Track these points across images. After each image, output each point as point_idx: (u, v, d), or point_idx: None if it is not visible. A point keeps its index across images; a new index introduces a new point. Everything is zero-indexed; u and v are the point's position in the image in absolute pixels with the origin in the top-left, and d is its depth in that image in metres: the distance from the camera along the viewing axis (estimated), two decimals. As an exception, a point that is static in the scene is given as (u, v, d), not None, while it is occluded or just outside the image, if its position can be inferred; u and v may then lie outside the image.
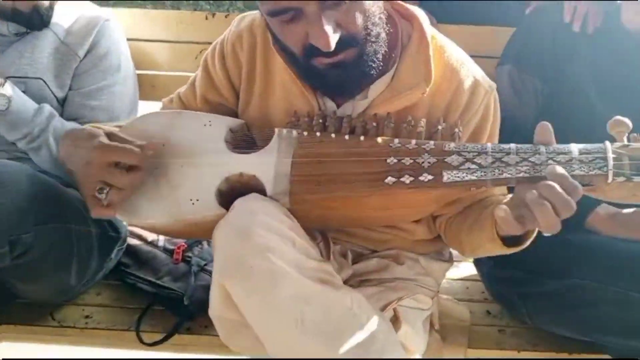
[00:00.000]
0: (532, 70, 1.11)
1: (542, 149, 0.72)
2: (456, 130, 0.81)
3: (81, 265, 1.07)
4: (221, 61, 0.95)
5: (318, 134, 0.82)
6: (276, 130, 0.84)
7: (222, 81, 0.96)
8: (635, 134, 0.70)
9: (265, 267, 0.70)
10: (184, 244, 1.32)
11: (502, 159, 0.73)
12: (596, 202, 1.00)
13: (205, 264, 1.24)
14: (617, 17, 1.09)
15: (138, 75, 1.36)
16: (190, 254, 1.27)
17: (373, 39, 0.79)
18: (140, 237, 1.35)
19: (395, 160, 0.77)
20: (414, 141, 0.78)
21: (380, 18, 0.80)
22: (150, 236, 1.35)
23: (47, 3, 1.15)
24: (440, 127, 0.81)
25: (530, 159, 0.72)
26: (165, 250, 1.31)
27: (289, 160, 0.81)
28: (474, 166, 0.74)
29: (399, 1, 0.88)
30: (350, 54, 0.78)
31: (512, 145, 0.74)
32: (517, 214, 0.69)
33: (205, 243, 1.32)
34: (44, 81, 1.15)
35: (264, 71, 0.92)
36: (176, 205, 0.83)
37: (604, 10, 1.09)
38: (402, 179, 0.76)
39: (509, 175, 0.72)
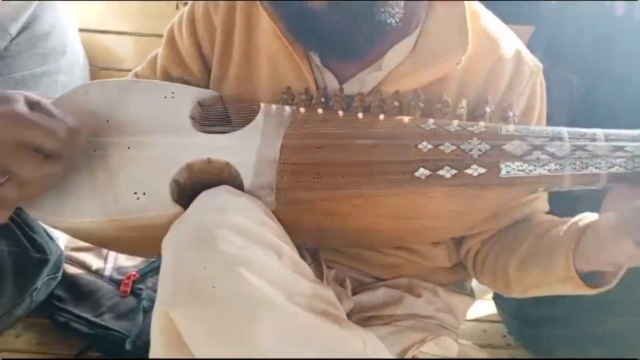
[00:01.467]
0: (566, 64, 0.92)
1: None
2: (510, 114, 0.59)
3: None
4: (190, 27, 0.73)
5: (320, 110, 0.59)
6: (262, 105, 0.62)
7: (190, 51, 0.73)
8: None
9: (235, 289, 0.45)
10: (135, 273, 1.06)
11: (586, 147, 0.51)
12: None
13: (160, 299, 0.98)
14: None
15: (95, 72, 1.14)
16: (141, 286, 1.02)
17: None
18: (82, 265, 1.09)
19: (429, 147, 0.54)
20: (456, 122, 0.56)
21: None
22: (95, 263, 1.10)
23: None
24: (488, 110, 0.59)
25: (626, 148, 0.50)
26: (111, 280, 1.06)
27: (278, 143, 0.58)
28: (545, 156, 0.51)
29: None
30: None
31: (598, 130, 0.52)
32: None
33: None
34: None
35: (244, 39, 0.70)
36: (114, 200, 0.58)
37: None
38: (439, 172, 0.53)
39: (597, 171, 0.50)
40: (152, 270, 1.08)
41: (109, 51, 1.22)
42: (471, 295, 0.82)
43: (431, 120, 0.56)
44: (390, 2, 0.59)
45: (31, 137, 0.53)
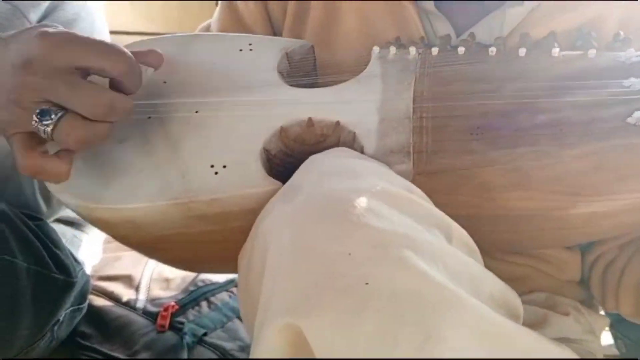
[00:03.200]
0: None
1: None
2: None
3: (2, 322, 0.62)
4: None
5: (462, 49, 0.43)
6: (375, 49, 0.46)
7: (256, 17, 0.59)
8: None
9: (402, 283, 0.28)
10: (174, 304, 0.89)
11: None
12: None
13: (205, 333, 0.82)
14: None
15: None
16: (182, 319, 0.86)
17: None
18: (110, 296, 0.92)
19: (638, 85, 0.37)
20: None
21: None
22: (125, 294, 0.93)
23: None
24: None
25: None
26: (146, 313, 0.88)
27: (409, 92, 0.41)
28: None
29: None
30: None
31: None
32: None
33: (204, 304, 0.92)
34: None
35: None
36: (180, 177, 0.41)
37: None
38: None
39: None
40: (192, 301, 0.91)
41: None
42: (604, 317, 0.65)
43: (631, 50, 0.40)
44: None
45: (87, 59, 0.37)
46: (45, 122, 0.35)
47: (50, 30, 0.38)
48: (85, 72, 0.38)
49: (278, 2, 0.58)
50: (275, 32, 0.60)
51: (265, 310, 0.30)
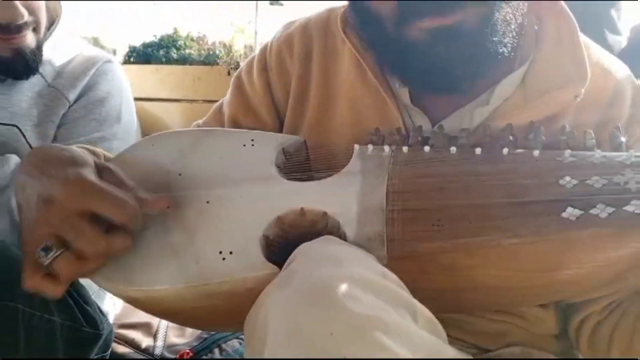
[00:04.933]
0: None
1: None
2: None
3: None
4: (262, 76, 0.68)
5: (427, 148, 0.51)
6: (356, 146, 0.54)
7: (262, 100, 0.68)
8: None
9: (371, 357, 0.35)
10: (188, 351, 0.97)
11: None
12: None
13: (218, 378, 0.89)
14: None
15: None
16: None
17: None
18: (130, 343, 1.01)
19: (575, 182, 0.45)
20: (599, 151, 0.47)
21: None
22: (144, 341, 1.01)
23: (33, 43, 0.89)
24: (623, 140, 0.50)
25: None
26: (162, 359, 0.96)
27: (382, 186, 0.49)
28: None
29: None
30: (471, 16, 0.51)
31: None
32: None
33: (217, 351, 0.99)
34: (19, 129, 0.88)
35: (322, 82, 0.65)
36: (195, 263, 0.49)
37: None
38: (592, 211, 0.43)
39: None
40: (206, 348, 0.99)
41: (159, 118, 1.19)
42: None
43: (568, 152, 0.47)
44: (503, 29, 0.53)
45: (97, 207, 0.46)
46: (44, 257, 0.45)
47: (71, 178, 0.47)
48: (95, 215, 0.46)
49: (281, 86, 0.67)
50: (279, 112, 0.69)
51: None
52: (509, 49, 0.55)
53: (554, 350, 0.66)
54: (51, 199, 0.46)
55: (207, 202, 0.53)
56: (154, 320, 1.04)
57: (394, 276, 0.43)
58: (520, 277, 0.49)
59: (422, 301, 0.49)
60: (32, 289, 0.46)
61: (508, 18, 0.54)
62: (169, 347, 0.99)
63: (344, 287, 0.38)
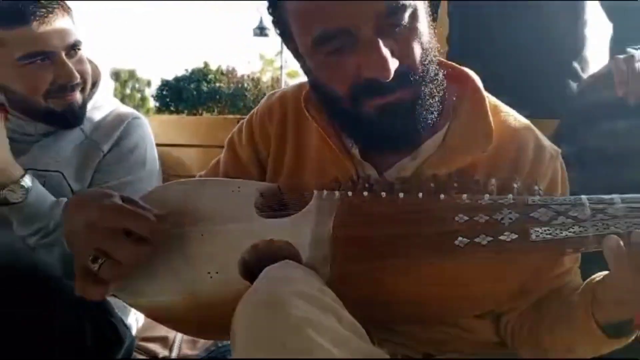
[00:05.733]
0: (590, 149, 1.00)
1: None
2: (535, 188, 0.66)
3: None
4: (248, 136, 0.86)
5: (365, 193, 0.68)
6: (315, 192, 0.71)
7: (249, 157, 0.86)
8: None
9: (303, 347, 0.52)
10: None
11: (606, 210, 0.57)
12: None
13: (222, 385, 1.05)
14: None
15: (166, 179, 1.29)
16: None
17: (431, 79, 0.69)
18: (149, 353, 1.17)
19: (466, 218, 0.61)
20: (487, 196, 0.63)
21: (435, 56, 0.71)
22: (161, 352, 1.17)
23: (80, 101, 1.10)
24: (516, 185, 0.66)
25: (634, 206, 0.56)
26: (176, 367, 1.13)
27: (330, 222, 0.66)
28: (569, 220, 0.58)
29: (446, 61, 0.79)
30: (406, 94, 0.68)
31: (615, 195, 0.58)
32: None
33: None
34: (63, 175, 1.08)
35: (295, 142, 0.82)
36: (190, 280, 0.67)
37: None
38: (477, 240, 0.59)
39: (618, 230, 0.55)
40: (212, 359, 1.14)
41: (179, 161, 1.38)
42: None
43: (465, 196, 0.64)
44: (429, 102, 0.69)
45: (126, 223, 0.65)
46: (94, 265, 0.63)
47: (106, 205, 0.66)
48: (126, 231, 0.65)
49: (264, 145, 0.85)
50: (262, 164, 0.86)
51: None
52: (435, 116, 0.72)
53: (495, 355, 0.81)
54: (93, 223, 0.65)
55: (202, 235, 0.71)
56: (170, 335, 1.21)
57: (329, 291, 0.59)
58: (431, 292, 0.65)
59: (358, 310, 0.65)
60: (81, 293, 0.65)
61: (433, 93, 0.71)
62: (182, 357, 1.15)
63: (288, 299, 0.55)
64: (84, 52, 1.10)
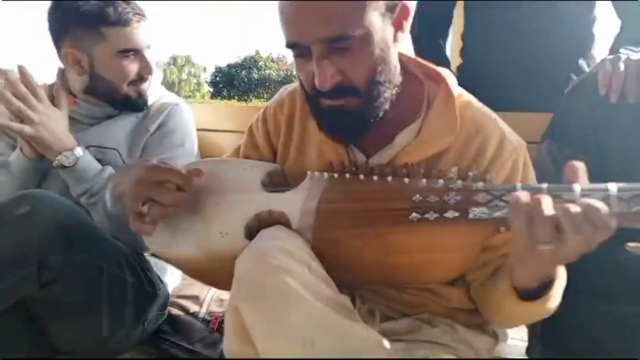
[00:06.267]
0: (573, 145, 1.08)
1: (577, 187, 0.68)
2: (487, 176, 0.79)
3: (113, 314, 1.08)
4: (263, 125, 1.03)
5: (347, 175, 0.84)
6: (309, 173, 0.87)
7: (264, 142, 1.03)
8: None
9: (278, 287, 0.69)
10: (221, 315, 1.32)
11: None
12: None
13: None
14: None
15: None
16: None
17: (382, 92, 0.83)
18: (182, 308, 1.37)
19: (420, 198, 0.76)
20: (441, 180, 0.77)
21: (394, 70, 0.84)
22: (193, 307, 1.37)
23: (146, 88, 1.33)
24: (471, 174, 0.80)
25: (563, 197, 0.68)
26: (203, 321, 1.33)
27: (317, 198, 0.82)
28: (502, 203, 0.71)
29: (425, 62, 0.92)
30: (352, 102, 0.81)
31: (545, 185, 0.71)
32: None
33: None
34: (119, 152, 1.28)
35: (301, 131, 0.98)
36: (206, 238, 0.85)
37: None
38: (426, 215, 0.74)
39: (541, 212, 0.69)
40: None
41: (217, 145, 1.58)
42: (493, 336, 0.97)
43: (424, 180, 0.78)
44: (377, 109, 0.83)
45: (164, 176, 0.85)
46: (144, 208, 0.82)
47: (147, 164, 0.86)
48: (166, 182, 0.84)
49: (275, 133, 1.02)
50: (274, 148, 1.03)
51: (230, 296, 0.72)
52: (390, 105, 0.85)
53: (466, 321, 0.94)
54: (140, 178, 0.85)
55: (217, 202, 0.88)
56: (202, 294, 1.41)
57: (307, 249, 0.76)
58: (397, 259, 0.80)
59: (337, 271, 0.81)
60: (136, 230, 0.85)
61: (384, 101, 0.83)
62: (209, 313, 1.35)
63: (270, 252, 0.72)
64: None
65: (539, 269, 0.70)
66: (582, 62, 1.48)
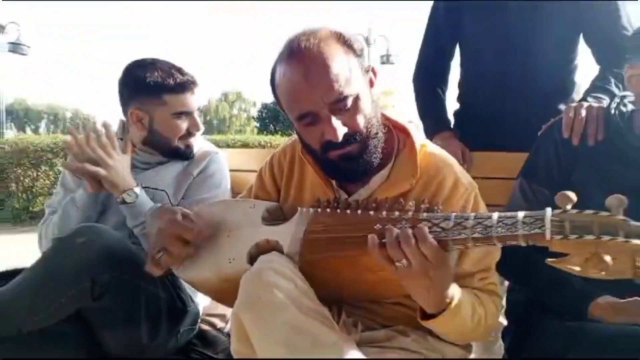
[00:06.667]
0: (541, 182, 1.25)
1: (495, 215, 0.87)
2: (435, 207, 0.98)
3: (151, 325, 1.32)
4: (270, 170, 1.27)
5: (328, 210, 1.05)
6: (299, 208, 1.09)
7: (270, 184, 1.26)
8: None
9: (269, 299, 0.90)
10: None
11: (461, 223, 0.89)
12: (596, 294, 1.05)
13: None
14: (627, 124, 1.19)
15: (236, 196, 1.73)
16: None
17: (372, 137, 1.06)
18: (211, 324, 1.60)
19: (380, 227, 0.96)
20: (397, 212, 0.97)
21: (377, 120, 1.07)
22: (219, 324, 1.60)
23: (193, 141, 1.62)
24: (423, 207, 0.99)
25: (483, 223, 0.87)
26: (227, 335, 1.54)
27: (304, 228, 1.04)
28: (438, 229, 0.90)
29: (394, 118, 1.15)
30: (355, 147, 1.04)
31: (472, 214, 0.90)
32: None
33: None
34: (167, 193, 1.56)
35: (299, 176, 1.22)
36: (218, 264, 1.08)
37: (607, 120, 1.20)
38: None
39: (465, 236, 0.87)
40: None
41: (247, 183, 1.83)
42: (465, 348, 1.14)
43: (384, 212, 0.98)
44: (373, 151, 1.06)
45: (179, 232, 1.08)
46: (158, 255, 1.07)
47: (168, 216, 1.09)
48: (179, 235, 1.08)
49: (279, 176, 1.24)
50: (279, 190, 1.25)
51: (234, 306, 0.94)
52: (379, 158, 1.07)
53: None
54: (161, 229, 1.09)
55: (227, 235, 1.11)
56: (228, 312, 1.63)
57: (296, 270, 0.97)
58: (365, 275, 1.00)
59: (322, 289, 1.01)
60: (148, 270, 1.08)
61: (375, 144, 1.06)
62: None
63: (264, 272, 0.93)
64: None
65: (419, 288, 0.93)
66: (562, 107, 1.64)
